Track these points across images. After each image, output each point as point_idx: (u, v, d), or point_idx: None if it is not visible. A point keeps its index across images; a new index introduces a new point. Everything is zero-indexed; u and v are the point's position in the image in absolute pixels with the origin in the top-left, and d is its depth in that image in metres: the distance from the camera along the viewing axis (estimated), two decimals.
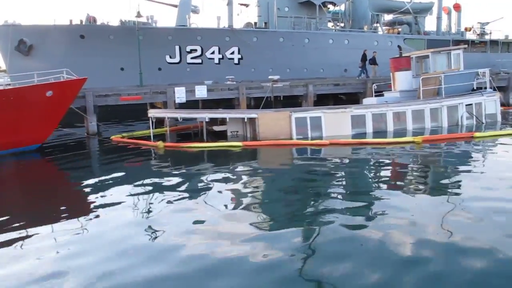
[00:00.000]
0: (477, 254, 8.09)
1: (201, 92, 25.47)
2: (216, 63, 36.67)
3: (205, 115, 21.19)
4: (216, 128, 22.50)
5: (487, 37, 45.89)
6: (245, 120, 21.26)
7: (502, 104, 29.88)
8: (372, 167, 16.24)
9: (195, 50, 36.08)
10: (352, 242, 8.85)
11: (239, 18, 41.66)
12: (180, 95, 25.12)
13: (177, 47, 35.69)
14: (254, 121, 21.02)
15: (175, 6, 38.28)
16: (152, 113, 22.13)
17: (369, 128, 21.95)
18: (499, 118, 24.76)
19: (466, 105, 23.76)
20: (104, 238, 9.52)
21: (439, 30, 44.22)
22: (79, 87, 21.19)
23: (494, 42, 45.27)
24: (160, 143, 20.06)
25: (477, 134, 20.33)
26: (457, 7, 45.67)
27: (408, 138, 19.46)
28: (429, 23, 44.73)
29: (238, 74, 34.72)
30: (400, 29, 42.31)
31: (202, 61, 36.42)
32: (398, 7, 40.53)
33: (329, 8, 39.97)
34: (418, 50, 32.39)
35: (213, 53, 36.43)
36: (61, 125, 22.16)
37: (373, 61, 31.45)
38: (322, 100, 30.68)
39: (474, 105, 23.95)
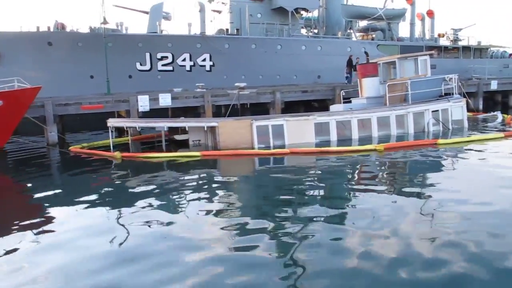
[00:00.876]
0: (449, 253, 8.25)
1: (165, 100, 24.68)
2: (188, 70, 35.88)
3: (163, 124, 20.39)
4: (178, 137, 21.71)
5: (460, 43, 45.64)
6: (205, 129, 20.50)
7: (471, 110, 29.57)
8: (331, 176, 15.55)
9: (166, 57, 35.27)
10: (318, 249, 8.65)
11: (212, 25, 41.00)
12: (144, 103, 24.32)
13: (147, 54, 34.85)
14: (215, 129, 20.28)
15: (146, 12, 37.47)
16: (111, 122, 21.28)
17: (333, 136, 21.30)
18: (465, 124, 24.27)
19: (432, 111, 23.24)
20: (57, 249, 9.14)
21: (413, 36, 43.86)
22: (33, 96, 20.32)
23: (466, 48, 45.02)
24: (117, 154, 19.23)
25: (440, 141, 19.80)
26: (430, 14, 45.38)
27: (370, 146, 18.82)
28: (403, 29, 44.45)
29: (210, 81, 34.02)
30: (374, 35, 41.82)
31: (173, 68, 35.60)
32: (371, 13, 40.06)
33: (302, 14, 39.37)
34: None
35: (184, 60, 35.63)
36: (20, 134, 21.31)
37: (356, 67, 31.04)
38: (293, 107, 30.11)
39: (441, 111, 23.43)
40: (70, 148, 21.45)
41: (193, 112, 25.81)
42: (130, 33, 34.89)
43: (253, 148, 20.03)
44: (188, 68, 35.89)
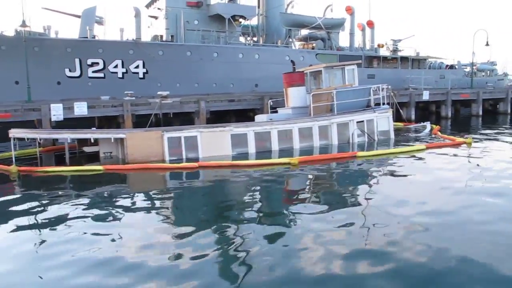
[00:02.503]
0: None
1: (80, 109, 22.77)
2: (120, 77, 33.90)
3: (67, 135, 18.49)
4: (87, 149, 19.84)
5: (399, 54, 45.29)
6: (112, 140, 18.74)
7: (402, 120, 28.81)
8: (236, 192, 14.10)
9: (97, 63, 33.21)
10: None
11: (150, 31, 39.26)
12: (57, 112, 22.33)
13: (77, 60, 32.70)
14: (123, 141, 18.56)
15: (78, 16, 35.30)
16: (13, 133, 19.23)
17: (252, 148, 19.92)
18: (392, 135, 23.36)
19: (357, 122, 22.20)
20: None
21: (352, 46, 43.23)
22: None
23: (405, 59, 44.69)
24: (13, 167, 17.23)
25: (360, 153, 18.66)
26: (370, 24, 44.89)
27: (283, 160, 17.45)
28: (344, 39, 43.75)
29: (143, 89, 32.27)
30: (314, 44, 40.90)
31: (104, 75, 33.57)
32: (309, 22, 39.11)
33: (241, 22, 38.04)
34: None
35: (116, 66, 33.66)
36: None
37: None
38: (224, 117, 28.70)
39: (366, 122, 22.43)
40: None
41: (115, 122, 24.00)
42: (57, 37, 32.73)
43: (164, 161, 18.43)
44: (120, 75, 33.93)
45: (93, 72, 33.36)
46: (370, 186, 14.36)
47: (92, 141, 18.81)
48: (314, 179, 15.87)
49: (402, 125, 28.81)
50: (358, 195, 13.16)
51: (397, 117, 29.80)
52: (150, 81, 34.29)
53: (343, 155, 18.69)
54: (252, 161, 17.61)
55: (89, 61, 32.99)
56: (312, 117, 21.82)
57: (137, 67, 34.10)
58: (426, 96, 32.72)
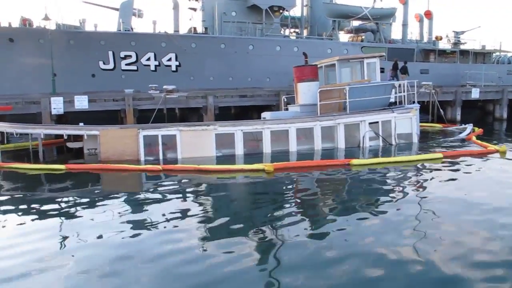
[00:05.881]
0: None
1: (81, 102, 21.55)
2: (153, 70, 32.67)
3: (40, 130, 17.18)
4: (70, 144, 18.47)
5: (461, 47, 40.11)
6: (85, 137, 17.15)
7: (442, 121, 24.91)
8: (193, 200, 11.78)
9: (130, 56, 32.22)
10: None
11: (191, 24, 37.80)
12: (57, 105, 21.27)
13: (110, 53, 31.92)
14: (95, 139, 16.95)
15: (117, 9, 34.56)
16: (1, 127, 18.38)
17: (239, 150, 17.49)
18: (415, 139, 19.79)
19: (370, 123, 18.95)
20: None
21: (405, 38, 38.77)
22: None
23: (465, 52, 39.44)
24: None
25: (354, 161, 15.49)
26: (428, 14, 40.07)
27: (258, 166, 14.76)
28: (398, 31, 39.46)
29: (176, 82, 30.60)
30: (363, 37, 37.23)
31: (137, 68, 32.53)
32: (355, 12, 35.45)
33: (281, 13, 35.33)
34: None
35: (148, 59, 32.48)
36: None
37: (404, 71, 27.55)
38: (246, 114, 26.50)
39: (381, 123, 19.11)
40: None
41: (116, 116, 22.60)
42: (91, 30, 32.13)
43: (139, 161, 16.59)
44: (153, 68, 32.70)
45: (126, 64, 32.41)
46: (349, 207, 10.94)
47: (85, 136, 17.29)
48: (284, 191, 13.07)
49: (441, 126, 24.85)
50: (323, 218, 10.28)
51: (439, 118, 25.92)
52: (183, 74, 32.80)
53: (333, 163, 15.64)
54: (222, 166, 15.12)
55: (122, 54, 32.04)
56: (314, 116, 18.90)
57: (169, 60, 32.68)
58: (475, 94, 28.03)
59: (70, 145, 18.44)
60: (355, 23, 38.98)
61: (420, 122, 22.87)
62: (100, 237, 8.77)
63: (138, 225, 9.50)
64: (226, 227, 9.39)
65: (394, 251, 7.75)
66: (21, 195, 12.76)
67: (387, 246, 7.95)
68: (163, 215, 10.17)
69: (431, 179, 13.63)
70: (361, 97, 19.52)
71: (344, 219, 9.70)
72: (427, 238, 8.39)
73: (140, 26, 34.81)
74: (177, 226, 9.48)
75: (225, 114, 25.04)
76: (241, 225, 9.52)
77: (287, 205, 11.18)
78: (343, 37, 39.78)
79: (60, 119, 22.58)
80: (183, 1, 36.94)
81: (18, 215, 10.60)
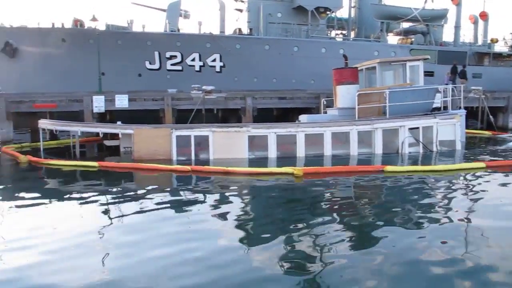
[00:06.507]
0: None
1: (121, 101, 22.00)
2: (197, 71, 32.97)
3: (77, 128, 17.62)
4: (108, 142, 18.91)
5: None
6: (120, 136, 17.43)
7: (492, 128, 23.63)
8: (213, 202, 11.49)
9: (175, 56, 32.66)
10: None
11: (237, 25, 37.84)
12: (99, 104, 21.85)
13: (156, 53, 32.48)
14: (130, 137, 17.17)
15: (164, 10, 35.13)
16: (41, 123, 19.08)
17: (272, 152, 17.20)
18: (458, 146, 18.78)
19: (410, 128, 18.16)
20: None
21: (457, 41, 37.10)
22: None
23: None
24: (23, 157, 16.90)
25: (388, 168, 14.83)
26: (483, 16, 38.16)
27: (287, 170, 14.39)
28: (450, 33, 37.83)
29: (220, 83, 30.84)
30: (413, 39, 35.99)
31: (182, 68, 32.92)
32: (404, 14, 34.28)
33: (327, 14, 34.75)
34: None
35: (193, 60, 32.78)
36: None
37: (462, 75, 26.93)
38: (287, 116, 26.12)
39: (422, 129, 18.26)
40: (2, 147, 19.62)
41: (154, 115, 22.88)
42: (138, 31, 32.78)
43: (171, 161, 16.66)
44: (197, 68, 32.99)
45: (171, 65, 32.89)
46: (379, 216, 10.20)
47: (120, 134, 17.66)
48: (312, 196, 12.59)
49: (491, 134, 23.56)
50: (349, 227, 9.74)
51: (488, 124, 24.60)
52: (227, 75, 32.90)
53: (366, 169, 15.04)
54: (250, 169, 14.93)
55: (168, 54, 32.53)
56: (351, 120, 18.33)
57: (214, 60, 32.85)
58: None
59: (108, 143, 18.84)
60: (405, 25, 37.73)
61: (467, 128, 21.83)
62: (127, 236, 8.69)
63: (161, 226, 9.39)
64: (252, 231, 9.13)
65: (433, 265, 7.19)
66: (52, 190, 13.12)
67: (423, 260, 7.39)
68: (188, 216, 10.12)
69: (467, 190, 12.80)
70: (402, 101, 18.75)
71: (374, 228, 9.14)
72: (467, 254, 7.69)
73: (186, 27, 35.08)
74: (199, 227, 9.32)
75: (267, 115, 24.78)
76: (266, 230, 9.18)
77: (315, 211, 10.75)
78: (392, 39, 38.67)
79: (104, 117, 23.17)
80: (229, 2, 37.03)
81: (46, 208, 10.89)
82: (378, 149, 17.88)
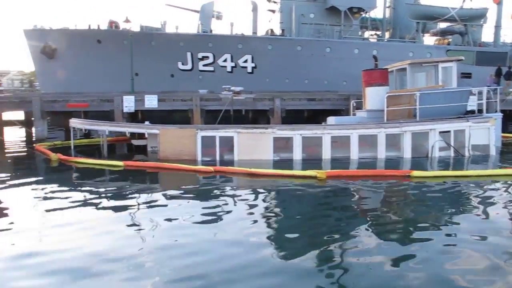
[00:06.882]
0: None
1: (151, 101, 22.26)
2: (229, 72, 33.15)
3: (105, 127, 17.93)
4: (135, 142, 19.20)
5: None
6: (146, 135, 17.63)
7: None
8: (233, 203, 11.46)
9: (207, 57, 32.91)
10: None
11: (269, 25, 37.80)
12: (129, 104, 22.19)
13: (188, 54, 32.83)
14: (157, 137, 17.35)
15: (197, 11, 35.45)
16: (72, 122, 19.55)
17: (298, 154, 17.00)
18: (492, 151, 18.07)
19: (441, 132, 17.61)
20: None
21: (497, 41, 35.77)
22: None
23: None
24: (53, 155, 17.36)
25: (415, 173, 14.38)
26: None
27: (310, 172, 14.19)
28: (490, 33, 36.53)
29: (251, 84, 30.96)
30: (450, 40, 34.97)
31: (214, 69, 33.15)
32: (441, 13, 33.32)
33: (361, 14, 34.22)
34: None
35: (225, 61, 32.95)
36: None
37: (508, 76, 26.74)
38: (317, 117, 25.83)
39: (453, 133, 17.68)
40: (36, 145, 20.27)
41: (182, 115, 23.06)
42: (170, 32, 33.17)
43: (195, 162, 16.73)
44: (229, 69, 33.15)
45: (204, 65, 33.17)
46: (402, 223, 9.90)
47: (146, 134, 17.92)
48: (333, 200, 12.33)
49: None
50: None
51: None
52: (259, 76, 32.93)
53: (391, 173, 14.64)
54: (273, 171, 14.78)
55: (200, 55, 32.84)
56: (379, 123, 17.93)
57: (245, 61, 32.90)
58: None
59: (135, 142, 19.11)
60: (442, 25, 36.72)
61: (505, 132, 21.05)
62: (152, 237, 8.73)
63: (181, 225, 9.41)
64: (272, 233, 9.00)
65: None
66: (77, 187, 13.33)
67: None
68: (208, 216, 10.06)
69: (499, 198, 12.21)
70: (433, 103, 18.22)
71: (396, 236, 8.83)
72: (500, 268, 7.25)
73: (219, 28, 35.24)
74: (220, 228, 9.31)
75: (297, 117, 24.58)
76: (286, 231, 9.08)
77: (335, 214, 10.55)
78: (429, 40, 37.72)
79: (136, 117, 23.52)
80: (262, 3, 37.02)
81: (74, 204, 11.06)
82: (407, 153, 17.40)
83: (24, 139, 24.22)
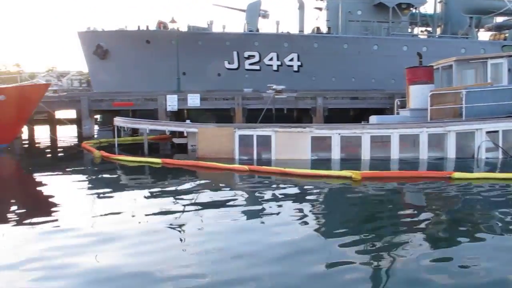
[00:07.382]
0: None
1: (193, 100, 22.64)
2: (275, 70, 33.13)
3: (146, 126, 18.37)
4: (176, 140, 19.58)
5: None
6: (185, 133, 17.92)
7: None
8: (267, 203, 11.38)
9: (253, 56, 33.04)
10: None
11: (316, 23, 37.44)
12: (172, 103, 22.67)
13: (235, 53, 33.08)
14: (195, 136, 17.61)
15: (244, 11, 35.64)
16: (116, 121, 20.19)
17: (336, 154, 16.74)
18: None
19: (488, 132, 16.80)
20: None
21: None
22: (41, 93, 20.01)
23: None
24: (96, 152, 18.06)
25: (457, 174, 13.79)
26: None
27: (345, 173, 13.90)
28: None
29: (297, 82, 30.88)
30: (507, 35, 33.34)
31: (260, 67, 33.24)
32: (497, 7, 31.81)
33: (411, 10, 33.22)
34: None
35: (271, 59, 32.97)
36: None
37: None
38: (363, 116, 25.37)
39: (502, 133, 16.83)
40: (82, 143, 21.09)
41: (224, 114, 23.27)
42: (217, 31, 33.52)
43: (233, 160, 16.84)
44: (275, 67, 33.15)
45: (250, 64, 33.32)
46: (441, 226, 9.60)
47: (185, 133, 18.30)
48: (368, 201, 12.03)
49: None
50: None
51: None
52: (305, 74, 32.73)
53: (431, 175, 14.10)
54: (307, 171, 14.60)
55: (246, 54, 33.01)
56: (421, 122, 17.33)
57: (291, 60, 32.78)
58: None
59: (176, 140, 19.47)
60: (499, 19, 35.05)
61: None
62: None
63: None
64: (304, 234, 8.91)
65: None
66: (117, 182, 13.98)
67: None
68: (242, 214, 10.17)
69: None
70: (480, 102, 17.43)
71: (436, 241, 8.50)
72: None
73: (265, 26, 35.27)
74: (253, 226, 9.41)
75: (343, 116, 24.22)
76: (320, 232, 9.00)
77: (368, 216, 10.33)
78: (484, 35, 36.10)
79: (181, 116, 23.98)
80: (309, 1, 36.70)
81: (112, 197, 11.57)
82: (451, 153, 16.74)
83: (75, 136, 25.19)
